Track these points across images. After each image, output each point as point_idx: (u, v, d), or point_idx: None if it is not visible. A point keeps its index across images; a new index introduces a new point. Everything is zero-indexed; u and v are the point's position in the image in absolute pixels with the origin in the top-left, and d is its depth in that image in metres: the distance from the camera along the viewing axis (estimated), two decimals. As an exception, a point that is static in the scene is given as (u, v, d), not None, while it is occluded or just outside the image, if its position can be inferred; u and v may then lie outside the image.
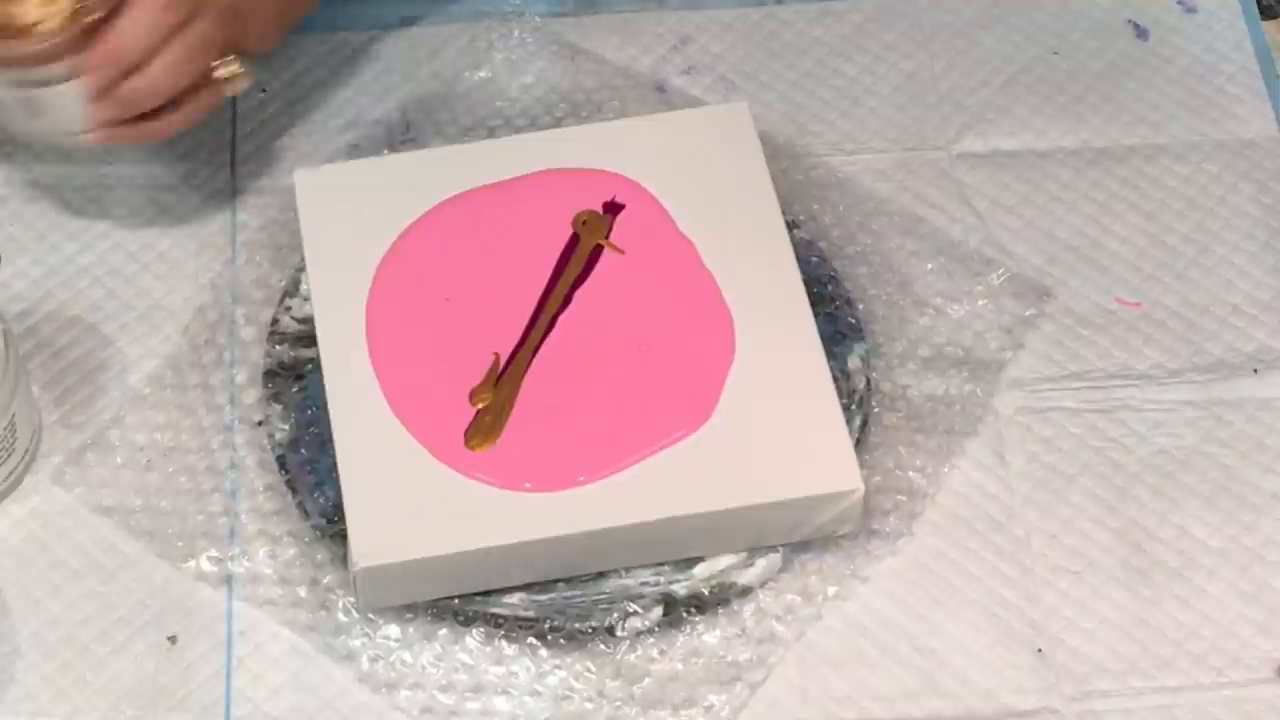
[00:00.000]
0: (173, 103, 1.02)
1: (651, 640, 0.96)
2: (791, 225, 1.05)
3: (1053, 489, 1.01)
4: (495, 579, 0.96)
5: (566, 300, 1.02)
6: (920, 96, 1.16)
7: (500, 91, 1.15)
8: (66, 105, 1.00)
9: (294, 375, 1.03)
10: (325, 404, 0.98)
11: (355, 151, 1.12)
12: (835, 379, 0.99)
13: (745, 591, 0.97)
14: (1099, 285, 1.09)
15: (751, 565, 0.97)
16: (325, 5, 1.16)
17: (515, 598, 0.96)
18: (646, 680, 0.95)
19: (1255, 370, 1.06)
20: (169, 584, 0.98)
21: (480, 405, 0.98)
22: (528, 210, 1.04)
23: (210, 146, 1.13)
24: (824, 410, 0.98)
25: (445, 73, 1.16)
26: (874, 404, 1.03)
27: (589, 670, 0.95)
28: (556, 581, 0.97)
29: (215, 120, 1.13)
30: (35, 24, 0.98)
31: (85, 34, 0.98)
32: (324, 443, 0.99)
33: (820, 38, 1.18)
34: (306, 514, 0.98)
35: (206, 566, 0.98)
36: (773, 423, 0.97)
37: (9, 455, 0.99)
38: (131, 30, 0.98)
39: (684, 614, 0.96)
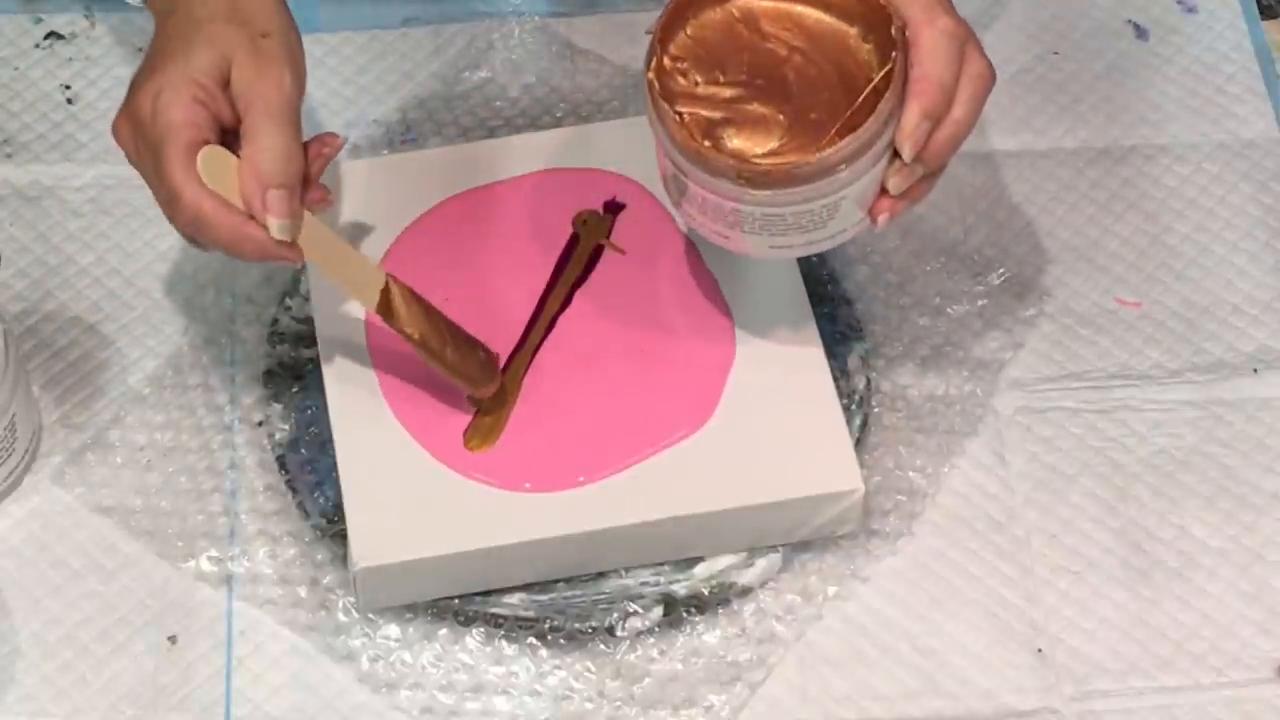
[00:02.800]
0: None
1: (651, 640, 0.96)
2: (791, 225, 1.05)
3: (1053, 489, 1.01)
4: (495, 579, 0.96)
5: (566, 300, 1.01)
6: (920, 96, 1.15)
7: (500, 91, 1.15)
8: (863, 194, 0.89)
9: (294, 375, 1.03)
10: (325, 404, 0.98)
11: (355, 151, 1.12)
12: (835, 379, 0.99)
13: (745, 591, 0.97)
14: (1099, 285, 1.09)
15: (751, 565, 0.97)
16: (326, 5, 1.16)
17: (515, 598, 0.96)
18: (646, 680, 0.95)
19: (1255, 370, 1.06)
20: (169, 584, 0.98)
21: (480, 406, 0.98)
22: (528, 210, 1.04)
23: (210, 146, 1.13)
24: (824, 410, 0.98)
25: (445, 73, 1.16)
26: (874, 404, 1.03)
27: (589, 670, 0.95)
28: (556, 581, 0.97)
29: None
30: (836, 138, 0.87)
31: (892, 104, 0.85)
32: (324, 443, 0.99)
33: (820, 38, 1.18)
34: (306, 514, 0.98)
35: (206, 566, 0.98)
36: (773, 423, 0.97)
37: (9, 455, 0.99)
38: (940, 67, 0.83)
39: (684, 614, 0.96)
